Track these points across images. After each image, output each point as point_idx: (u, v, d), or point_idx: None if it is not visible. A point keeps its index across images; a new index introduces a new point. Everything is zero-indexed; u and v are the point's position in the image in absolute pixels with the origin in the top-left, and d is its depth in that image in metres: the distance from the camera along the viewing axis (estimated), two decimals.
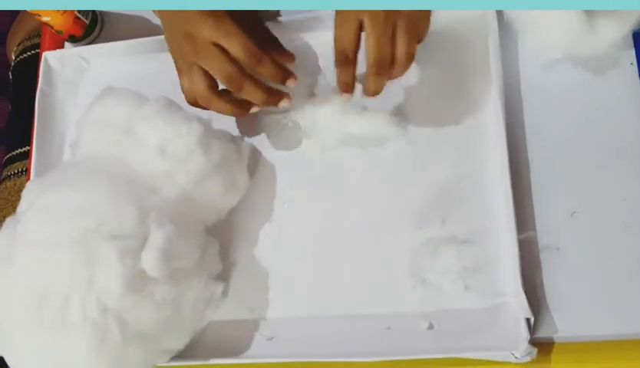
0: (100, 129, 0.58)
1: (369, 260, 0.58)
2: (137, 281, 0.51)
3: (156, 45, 0.69)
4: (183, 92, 0.58)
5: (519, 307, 0.53)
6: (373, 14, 0.51)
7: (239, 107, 0.57)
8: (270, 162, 0.64)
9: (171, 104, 0.58)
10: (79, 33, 0.73)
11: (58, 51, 0.73)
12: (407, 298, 0.56)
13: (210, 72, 0.54)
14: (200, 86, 0.55)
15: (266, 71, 0.55)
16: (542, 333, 0.53)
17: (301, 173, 0.63)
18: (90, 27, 0.73)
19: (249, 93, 0.55)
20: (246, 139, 0.64)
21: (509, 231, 0.54)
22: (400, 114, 0.61)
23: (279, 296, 0.59)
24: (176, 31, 0.55)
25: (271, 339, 0.58)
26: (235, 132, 0.64)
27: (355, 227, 0.60)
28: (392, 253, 0.58)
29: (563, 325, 0.54)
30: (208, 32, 0.53)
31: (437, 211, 0.58)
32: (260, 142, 0.64)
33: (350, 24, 0.52)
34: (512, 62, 0.61)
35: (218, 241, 0.60)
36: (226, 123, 0.63)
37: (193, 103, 0.58)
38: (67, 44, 0.75)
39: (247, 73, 0.54)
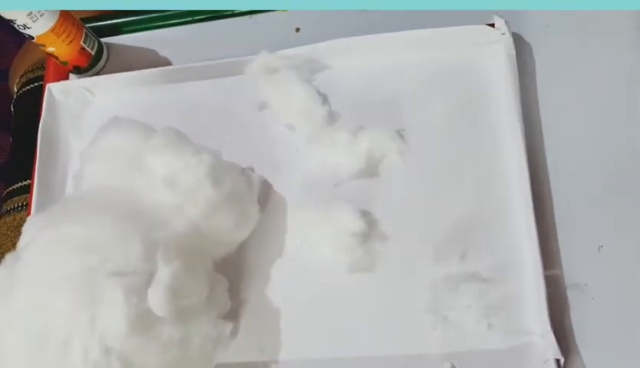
0: (105, 160, 0.56)
1: (386, 297, 0.56)
2: (143, 321, 0.48)
3: (162, 76, 0.68)
4: None
5: (547, 346, 0.50)
6: None
7: None
8: (282, 195, 0.61)
9: (179, 135, 0.56)
10: (84, 64, 0.71)
11: (62, 83, 0.71)
12: (427, 338, 0.54)
13: None
14: None
15: None
16: None
17: (313, 206, 0.60)
18: (96, 58, 0.72)
19: None
20: (257, 171, 0.62)
21: (533, 267, 0.52)
22: (402, 135, 0.60)
23: (291, 336, 0.56)
24: None
25: None
26: (246, 164, 0.62)
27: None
28: (411, 290, 0.55)
29: (593, 366, 0.51)
30: None
31: (456, 246, 0.56)
32: (271, 174, 0.62)
33: None
34: (530, 87, 0.60)
35: (227, 278, 0.58)
36: (237, 155, 0.61)
37: None
38: (71, 75, 0.74)
39: None
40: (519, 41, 0.60)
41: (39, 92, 0.74)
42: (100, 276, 0.49)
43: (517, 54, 0.59)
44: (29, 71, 0.85)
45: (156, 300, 0.48)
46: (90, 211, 0.53)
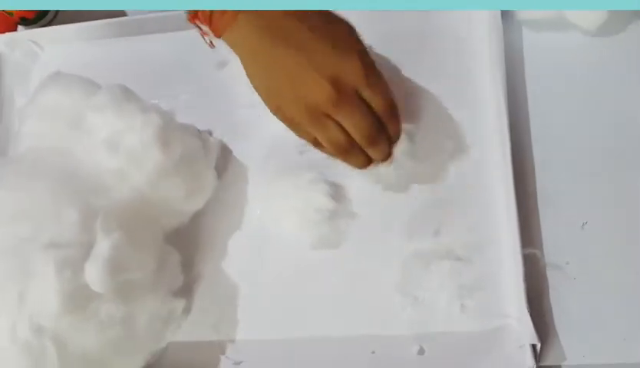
0: (43, 119, 0.52)
1: (352, 275, 0.53)
2: (78, 297, 0.44)
3: (116, 29, 0.64)
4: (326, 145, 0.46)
5: (523, 331, 0.47)
6: None
7: (368, 162, 0.48)
8: (242, 161, 0.58)
9: (126, 92, 0.52)
10: (31, 15, 0.67)
11: (7, 34, 0.67)
12: (394, 318, 0.51)
13: (348, 126, 0.45)
14: (341, 140, 0.45)
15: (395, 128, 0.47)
16: (549, 361, 0.48)
17: (276, 175, 0.56)
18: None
19: (380, 151, 0.47)
20: (215, 134, 0.58)
21: (511, 244, 0.50)
22: None
23: (249, 314, 0.54)
24: (316, 70, 0.44)
25: (239, 363, 0.52)
26: (203, 126, 0.58)
27: None
28: (378, 266, 0.52)
29: (572, 352, 0.48)
30: (357, 78, 0.44)
31: (430, 221, 0.53)
32: (231, 139, 0.58)
33: None
34: (516, 60, 0.56)
35: (179, 251, 0.54)
36: (193, 115, 0.57)
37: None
38: (20, 27, 0.70)
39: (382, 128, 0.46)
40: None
41: None
42: (31, 247, 0.45)
43: (502, 12, 0.55)
44: None
45: (94, 274, 0.45)
46: (21, 176, 0.49)
